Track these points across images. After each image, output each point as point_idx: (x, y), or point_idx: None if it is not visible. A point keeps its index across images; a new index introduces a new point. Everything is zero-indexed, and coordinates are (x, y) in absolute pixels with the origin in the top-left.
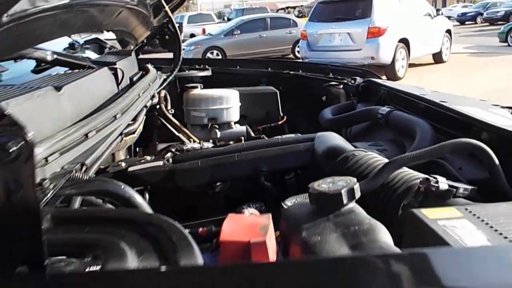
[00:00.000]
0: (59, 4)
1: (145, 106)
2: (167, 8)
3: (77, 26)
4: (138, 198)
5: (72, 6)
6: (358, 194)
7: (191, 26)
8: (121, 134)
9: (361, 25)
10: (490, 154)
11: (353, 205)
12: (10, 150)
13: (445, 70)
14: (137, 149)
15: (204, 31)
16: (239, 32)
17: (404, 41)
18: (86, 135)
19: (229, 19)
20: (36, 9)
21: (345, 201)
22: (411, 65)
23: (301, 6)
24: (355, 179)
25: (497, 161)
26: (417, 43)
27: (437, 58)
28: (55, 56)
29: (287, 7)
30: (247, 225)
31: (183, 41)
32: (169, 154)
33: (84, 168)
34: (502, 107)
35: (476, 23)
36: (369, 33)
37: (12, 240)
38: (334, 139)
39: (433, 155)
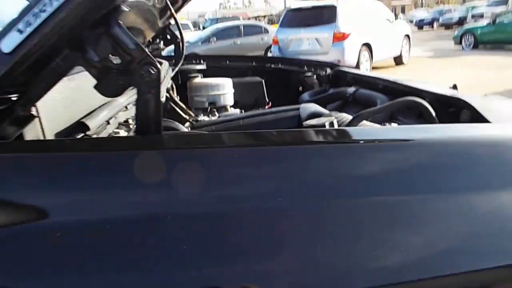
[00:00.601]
0: None
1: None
2: (173, 11)
3: (129, 21)
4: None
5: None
6: (336, 126)
7: None
8: None
9: (327, 30)
10: (428, 108)
11: None
12: (152, 73)
13: (406, 72)
14: None
15: None
16: (215, 39)
17: (367, 45)
18: None
19: (204, 28)
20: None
21: None
22: (374, 68)
23: (271, 14)
24: (333, 117)
25: (433, 113)
26: (379, 46)
27: (398, 60)
28: None
29: (258, 16)
30: None
31: (162, 49)
32: (187, 124)
33: None
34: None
35: (433, 28)
36: (334, 38)
37: (149, 131)
38: (314, 106)
39: (387, 109)
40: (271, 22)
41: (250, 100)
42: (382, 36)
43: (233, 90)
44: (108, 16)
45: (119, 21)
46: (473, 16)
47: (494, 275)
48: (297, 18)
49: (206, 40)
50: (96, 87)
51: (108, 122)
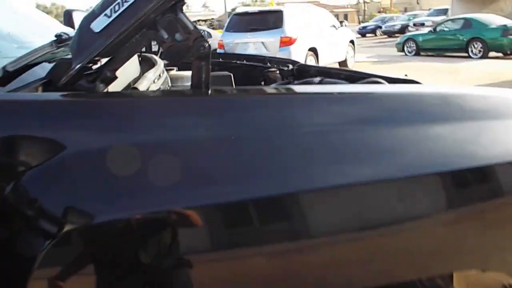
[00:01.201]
0: None
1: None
2: None
3: None
4: None
5: None
6: None
7: None
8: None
9: (274, 34)
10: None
11: None
12: (205, 46)
13: None
14: None
15: None
16: (155, 42)
17: (313, 50)
18: (160, 75)
19: None
20: None
21: None
22: None
23: (212, 19)
24: None
25: None
26: (325, 52)
27: (343, 65)
28: None
29: (198, 20)
30: None
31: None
32: None
33: None
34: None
35: (376, 35)
36: (281, 42)
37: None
38: None
39: None
40: (212, 27)
41: None
42: (328, 41)
43: None
44: (175, 5)
45: (182, 9)
46: (414, 25)
47: (430, 180)
48: (243, 22)
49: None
50: (163, 56)
51: None
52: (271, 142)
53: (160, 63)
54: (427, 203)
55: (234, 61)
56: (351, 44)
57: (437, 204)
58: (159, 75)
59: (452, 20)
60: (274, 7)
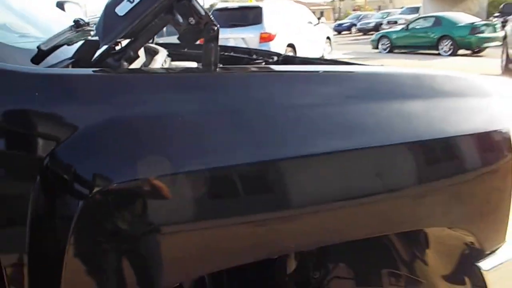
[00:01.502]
0: None
1: None
2: None
3: None
4: None
5: None
6: None
7: None
8: None
9: (254, 30)
10: None
11: None
12: (214, 29)
13: None
14: None
15: None
16: None
17: (292, 46)
18: (165, 60)
19: None
20: None
21: None
22: None
23: None
24: None
25: None
26: (303, 48)
27: None
28: None
29: None
30: None
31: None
32: None
33: None
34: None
35: (351, 32)
36: (261, 38)
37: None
38: None
39: None
40: None
41: None
42: (306, 37)
43: None
44: None
45: None
46: (388, 22)
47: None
48: (223, 18)
49: None
50: (179, 38)
51: None
52: (276, 113)
53: (163, 50)
54: (403, 169)
55: (222, 53)
56: (328, 40)
57: (410, 170)
58: (165, 60)
59: (424, 18)
60: (254, 3)
